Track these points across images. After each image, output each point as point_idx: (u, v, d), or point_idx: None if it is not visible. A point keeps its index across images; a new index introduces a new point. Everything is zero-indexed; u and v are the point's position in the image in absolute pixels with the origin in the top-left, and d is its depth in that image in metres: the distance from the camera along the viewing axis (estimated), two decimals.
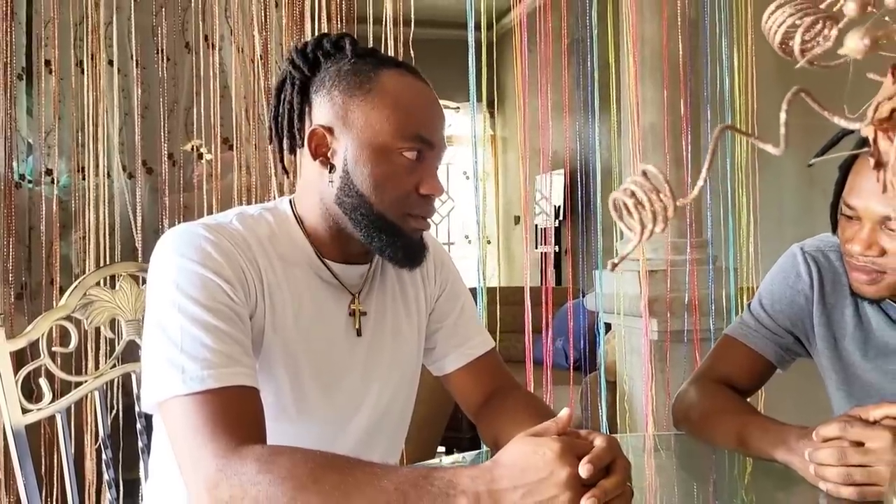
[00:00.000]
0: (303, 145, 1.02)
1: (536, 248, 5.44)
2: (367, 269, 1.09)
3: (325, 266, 1.04)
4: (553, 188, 5.25)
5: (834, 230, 1.19)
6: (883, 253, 1.08)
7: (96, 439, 2.13)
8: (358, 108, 0.98)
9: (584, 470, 0.74)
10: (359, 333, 1.07)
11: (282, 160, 1.07)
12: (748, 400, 1.31)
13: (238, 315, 0.92)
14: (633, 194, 0.49)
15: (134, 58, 2.58)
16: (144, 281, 1.28)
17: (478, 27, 2.41)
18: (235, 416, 0.85)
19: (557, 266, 5.31)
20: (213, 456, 0.81)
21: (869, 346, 1.24)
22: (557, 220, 5.29)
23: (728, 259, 2.57)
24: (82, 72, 2.69)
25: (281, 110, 1.04)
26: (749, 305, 1.36)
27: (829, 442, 0.96)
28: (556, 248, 5.27)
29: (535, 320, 2.63)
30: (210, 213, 2.45)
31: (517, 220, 6.71)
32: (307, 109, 1.02)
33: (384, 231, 0.99)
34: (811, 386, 1.44)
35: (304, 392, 1.01)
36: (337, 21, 2.25)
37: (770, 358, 1.30)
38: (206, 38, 2.72)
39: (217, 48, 2.54)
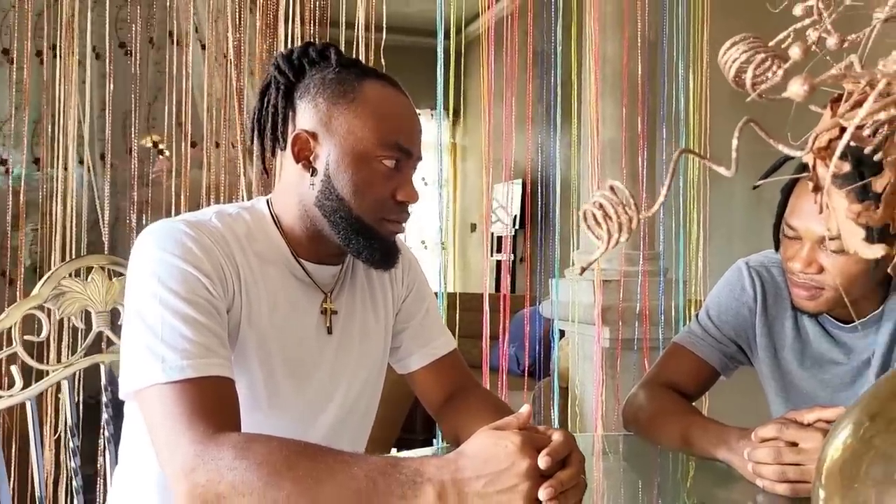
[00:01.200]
0: (285, 148, 1.05)
1: (491, 255, 5.51)
2: (338, 269, 1.13)
3: (299, 265, 1.08)
4: (511, 197, 5.33)
5: (777, 249, 1.27)
6: (822, 270, 1.15)
7: (55, 431, 2.12)
8: (341, 115, 1.02)
9: (542, 462, 0.79)
10: (329, 331, 1.10)
11: (263, 161, 1.11)
12: (693, 404, 1.39)
13: (216, 308, 0.96)
14: (601, 206, 0.54)
15: (108, 51, 2.57)
16: (115, 274, 1.30)
17: (446, 35, 2.46)
18: (213, 404, 0.88)
19: (512, 274, 5.39)
20: (190, 442, 0.84)
21: (806, 357, 1.32)
22: (514, 229, 5.37)
23: (678, 271, 2.67)
24: (41, 63, 2.67)
25: (264, 113, 1.07)
26: (697, 315, 1.43)
27: (766, 442, 1.04)
28: (511, 257, 5.35)
29: (490, 326, 2.69)
30: (177, 208, 2.45)
31: (473, 227, 6.79)
32: (290, 114, 1.05)
33: (361, 234, 1.03)
34: (752, 396, 1.52)
35: (277, 386, 1.04)
36: (310, 25, 2.28)
37: (715, 365, 1.38)
38: (170, 33, 2.72)
39: (183, 45, 2.54)
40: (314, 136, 1.03)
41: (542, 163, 3.17)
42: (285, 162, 1.07)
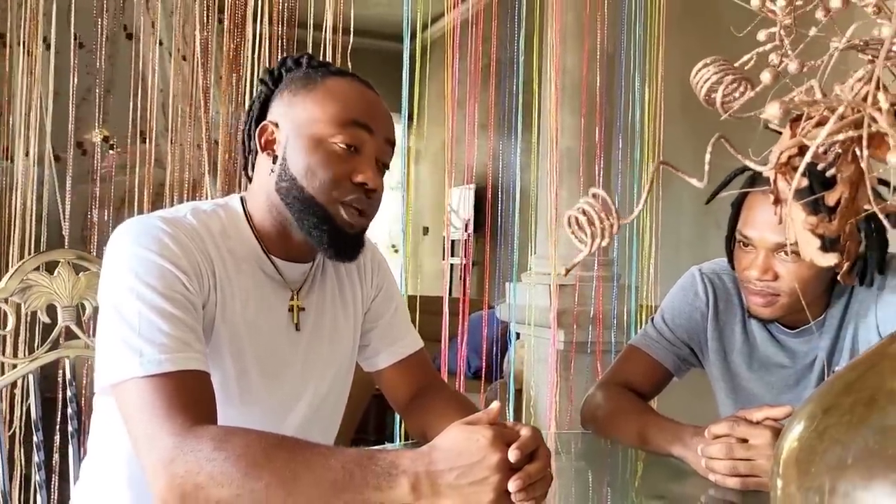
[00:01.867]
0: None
1: (443, 259, 5.56)
2: (308, 267, 1.15)
3: (269, 262, 1.10)
4: (463, 202, 5.39)
5: (730, 260, 1.33)
6: (777, 277, 1.22)
7: (10, 426, 2.08)
8: (301, 102, 1.06)
9: (512, 455, 0.83)
10: (297, 328, 1.12)
11: (246, 168, 1.14)
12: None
13: (192, 304, 0.97)
14: (585, 212, 0.58)
15: (71, 45, 2.52)
16: (82, 269, 1.30)
17: (411, 37, 2.49)
18: (190, 397, 0.89)
19: (463, 277, 5.43)
20: (169, 434, 0.85)
21: (753, 360, 1.39)
22: (466, 233, 5.43)
23: (631, 277, 2.75)
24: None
25: (250, 124, 1.11)
26: (652, 319, 1.49)
27: (718, 439, 1.10)
28: (464, 261, 5.40)
29: (440, 330, 2.74)
30: (139, 205, 2.42)
31: (426, 231, 6.82)
32: (265, 115, 1.10)
33: (314, 215, 1.04)
34: (702, 397, 1.59)
35: (249, 381, 1.06)
36: (278, 25, 2.28)
37: (669, 367, 1.44)
38: (125, 27, 2.69)
39: (150, 41, 2.52)
40: (276, 124, 1.07)
41: (501, 169, 3.22)
42: (259, 158, 1.10)
